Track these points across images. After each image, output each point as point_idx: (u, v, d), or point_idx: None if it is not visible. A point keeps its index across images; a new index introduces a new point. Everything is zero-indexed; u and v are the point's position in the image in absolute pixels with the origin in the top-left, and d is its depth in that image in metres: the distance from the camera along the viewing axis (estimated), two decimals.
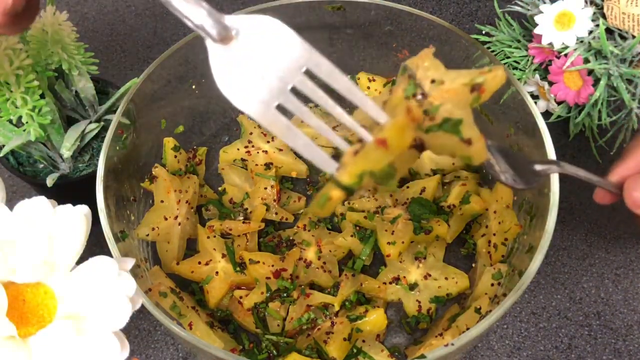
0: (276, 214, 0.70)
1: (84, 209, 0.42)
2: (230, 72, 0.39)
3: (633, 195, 0.51)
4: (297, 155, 0.73)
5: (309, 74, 0.40)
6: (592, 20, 0.68)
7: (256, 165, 0.72)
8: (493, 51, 0.77)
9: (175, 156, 0.71)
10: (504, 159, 0.51)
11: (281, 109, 0.40)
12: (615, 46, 0.67)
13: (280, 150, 0.73)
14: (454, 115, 0.42)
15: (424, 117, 0.43)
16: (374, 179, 0.42)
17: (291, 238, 0.69)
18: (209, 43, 0.40)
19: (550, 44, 0.69)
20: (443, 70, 0.46)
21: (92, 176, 0.59)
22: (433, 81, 0.44)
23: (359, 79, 0.76)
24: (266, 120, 0.40)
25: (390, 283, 0.65)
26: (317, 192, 0.73)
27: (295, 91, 0.40)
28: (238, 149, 0.74)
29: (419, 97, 0.44)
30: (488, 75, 0.43)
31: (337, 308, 0.62)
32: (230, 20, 0.40)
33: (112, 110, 0.66)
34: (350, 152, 0.42)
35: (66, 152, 0.64)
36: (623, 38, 0.68)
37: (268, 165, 0.72)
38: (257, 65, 0.40)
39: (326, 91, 0.41)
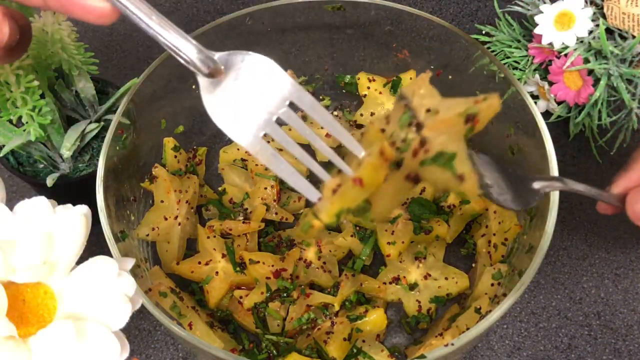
0: (276, 214, 0.70)
1: (84, 209, 0.42)
2: (221, 104, 0.42)
3: (635, 209, 0.51)
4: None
5: (293, 106, 0.43)
6: (592, 20, 0.68)
7: (256, 165, 0.72)
8: (493, 51, 0.77)
9: (175, 156, 0.71)
10: (502, 176, 0.50)
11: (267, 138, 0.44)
12: (615, 46, 0.67)
13: (280, 150, 0.73)
14: (447, 148, 0.42)
15: (418, 150, 0.43)
16: (351, 214, 0.45)
17: (291, 238, 0.69)
18: (199, 77, 0.43)
19: (550, 44, 0.69)
20: (438, 98, 0.45)
21: (92, 176, 0.59)
22: (428, 110, 0.44)
23: (359, 79, 0.76)
24: (254, 149, 0.43)
25: (390, 283, 0.65)
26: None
27: (279, 122, 0.43)
28: (238, 149, 0.74)
29: (414, 127, 0.44)
30: (482, 105, 0.43)
31: (337, 308, 0.62)
32: (219, 56, 0.43)
33: (112, 110, 0.66)
34: (329, 188, 0.44)
35: (66, 152, 0.64)
36: (623, 38, 0.68)
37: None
38: (245, 98, 0.43)
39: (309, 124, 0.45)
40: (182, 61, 0.42)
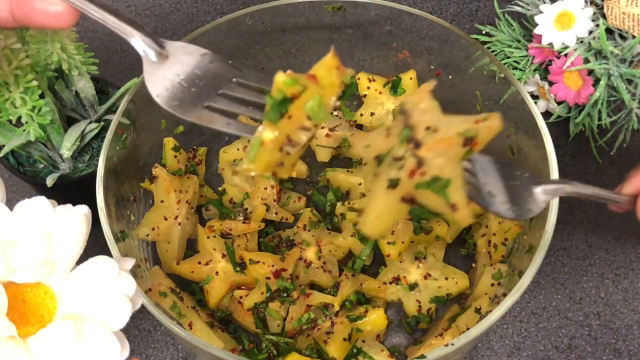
0: (276, 214, 0.70)
1: (84, 209, 0.42)
2: (162, 82, 0.46)
3: None
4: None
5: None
6: (592, 20, 0.68)
7: None
8: (493, 51, 0.77)
9: (175, 156, 0.71)
10: (504, 182, 0.49)
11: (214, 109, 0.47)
12: (615, 46, 0.67)
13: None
14: (443, 173, 0.42)
15: (415, 171, 0.43)
16: (310, 112, 0.44)
17: (291, 238, 0.69)
18: (144, 58, 0.47)
19: (550, 44, 0.69)
20: (438, 114, 0.45)
21: (92, 176, 0.59)
22: (428, 128, 0.44)
23: (359, 79, 0.75)
24: (191, 117, 0.46)
25: (390, 283, 0.65)
26: (316, 191, 0.73)
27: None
28: (238, 149, 0.74)
29: (412, 146, 0.43)
30: (482, 126, 0.42)
31: (337, 308, 0.62)
32: (167, 44, 0.48)
33: (112, 110, 0.66)
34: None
35: (66, 152, 0.64)
36: (623, 38, 0.68)
37: None
38: (184, 77, 0.47)
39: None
40: (134, 45, 0.46)
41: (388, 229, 0.45)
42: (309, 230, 0.69)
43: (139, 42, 0.46)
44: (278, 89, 0.42)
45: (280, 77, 0.42)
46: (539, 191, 0.49)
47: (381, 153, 0.46)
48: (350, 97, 0.47)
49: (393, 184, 0.43)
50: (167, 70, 0.47)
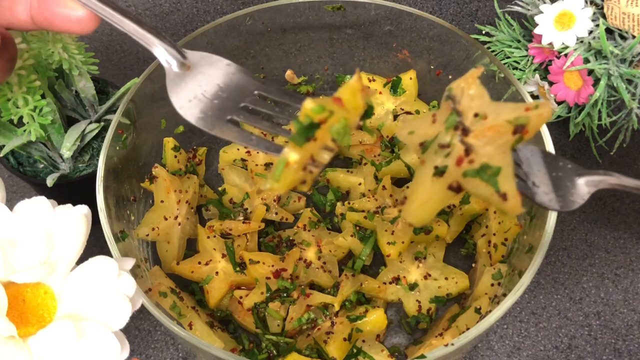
0: (276, 214, 0.70)
1: (84, 209, 0.42)
2: (184, 94, 0.46)
3: None
4: None
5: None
6: (592, 20, 0.68)
7: (256, 165, 0.72)
8: (493, 51, 0.77)
9: (175, 156, 0.71)
10: (548, 172, 0.47)
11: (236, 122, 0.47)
12: (615, 46, 0.67)
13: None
14: (493, 161, 0.40)
15: (462, 159, 0.41)
16: (333, 135, 0.43)
17: (291, 238, 0.69)
18: (167, 69, 0.46)
19: (550, 44, 0.69)
20: (487, 100, 0.43)
21: (92, 176, 0.59)
22: (476, 115, 0.42)
23: None
24: (215, 131, 0.46)
25: (390, 283, 0.65)
26: (316, 191, 0.73)
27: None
28: (238, 149, 0.74)
29: (460, 132, 0.42)
30: (532, 114, 0.41)
31: (337, 308, 0.62)
32: (190, 54, 0.47)
33: (112, 110, 0.66)
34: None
35: (66, 152, 0.64)
36: (623, 38, 0.68)
37: (268, 165, 0.72)
38: (207, 89, 0.47)
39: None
40: (156, 55, 0.46)
41: (433, 217, 0.44)
42: (309, 230, 0.69)
43: (161, 52, 0.46)
44: (306, 115, 0.41)
45: (309, 104, 0.41)
46: (582, 182, 0.48)
47: (426, 140, 0.45)
48: (371, 115, 0.46)
49: (440, 172, 0.42)
50: (190, 82, 0.46)
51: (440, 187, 0.43)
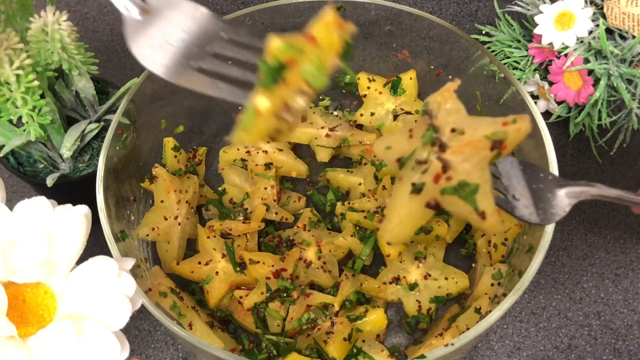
0: (276, 214, 0.70)
1: (84, 209, 0.42)
2: (146, 41, 0.43)
3: None
4: (297, 155, 0.73)
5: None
6: (592, 20, 0.68)
7: (256, 165, 0.72)
8: (493, 51, 0.77)
9: (175, 156, 0.71)
10: (528, 185, 0.46)
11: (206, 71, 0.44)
12: (615, 46, 0.67)
13: (280, 150, 0.73)
14: (471, 178, 0.39)
15: (440, 175, 0.40)
16: (307, 75, 0.40)
17: (291, 238, 0.69)
18: (126, 17, 0.43)
19: (550, 44, 0.69)
20: (464, 115, 0.43)
21: (92, 176, 0.59)
22: (453, 130, 0.41)
23: (359, 79, 0.76)
24: (182, 81, 0.43)
25: (390, 283, 0.65)
26: (316, 191, 0.73)
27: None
28: (238, 149, 0.74)
29: (437, 148, 0.41)
30: (510, 128, 0.40)
31: (337, 308, 0.62)
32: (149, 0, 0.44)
33: (112, 110, 0.66)
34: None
35: (66, 152, 0.64)
36: (623, 38, 0.68)
37: (268, 165, 0.72)
38: (171, 35, 0.43)
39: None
40: (113, 1, 0.43)
41: (411, 235, 0.43)
42: (309, 230, 0.69)
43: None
44: (272, 55, 0.38)
45: (274, 43, 0.38)
46: (562, 194, 0.47)
47: (403, 155, 0.43)
48: (353, 57, 0.43)
49: (417, 189, 0.41)
50: (151, 28, 0.43)
51: (418, 205, 0.42)
